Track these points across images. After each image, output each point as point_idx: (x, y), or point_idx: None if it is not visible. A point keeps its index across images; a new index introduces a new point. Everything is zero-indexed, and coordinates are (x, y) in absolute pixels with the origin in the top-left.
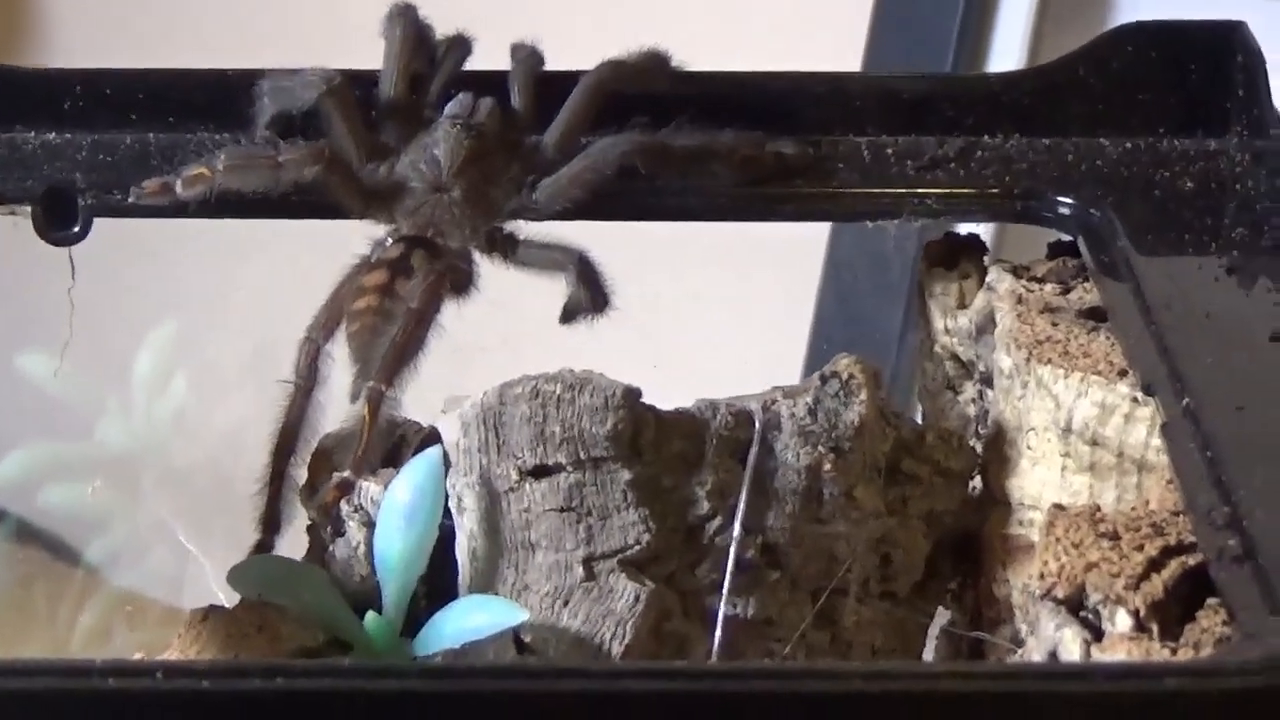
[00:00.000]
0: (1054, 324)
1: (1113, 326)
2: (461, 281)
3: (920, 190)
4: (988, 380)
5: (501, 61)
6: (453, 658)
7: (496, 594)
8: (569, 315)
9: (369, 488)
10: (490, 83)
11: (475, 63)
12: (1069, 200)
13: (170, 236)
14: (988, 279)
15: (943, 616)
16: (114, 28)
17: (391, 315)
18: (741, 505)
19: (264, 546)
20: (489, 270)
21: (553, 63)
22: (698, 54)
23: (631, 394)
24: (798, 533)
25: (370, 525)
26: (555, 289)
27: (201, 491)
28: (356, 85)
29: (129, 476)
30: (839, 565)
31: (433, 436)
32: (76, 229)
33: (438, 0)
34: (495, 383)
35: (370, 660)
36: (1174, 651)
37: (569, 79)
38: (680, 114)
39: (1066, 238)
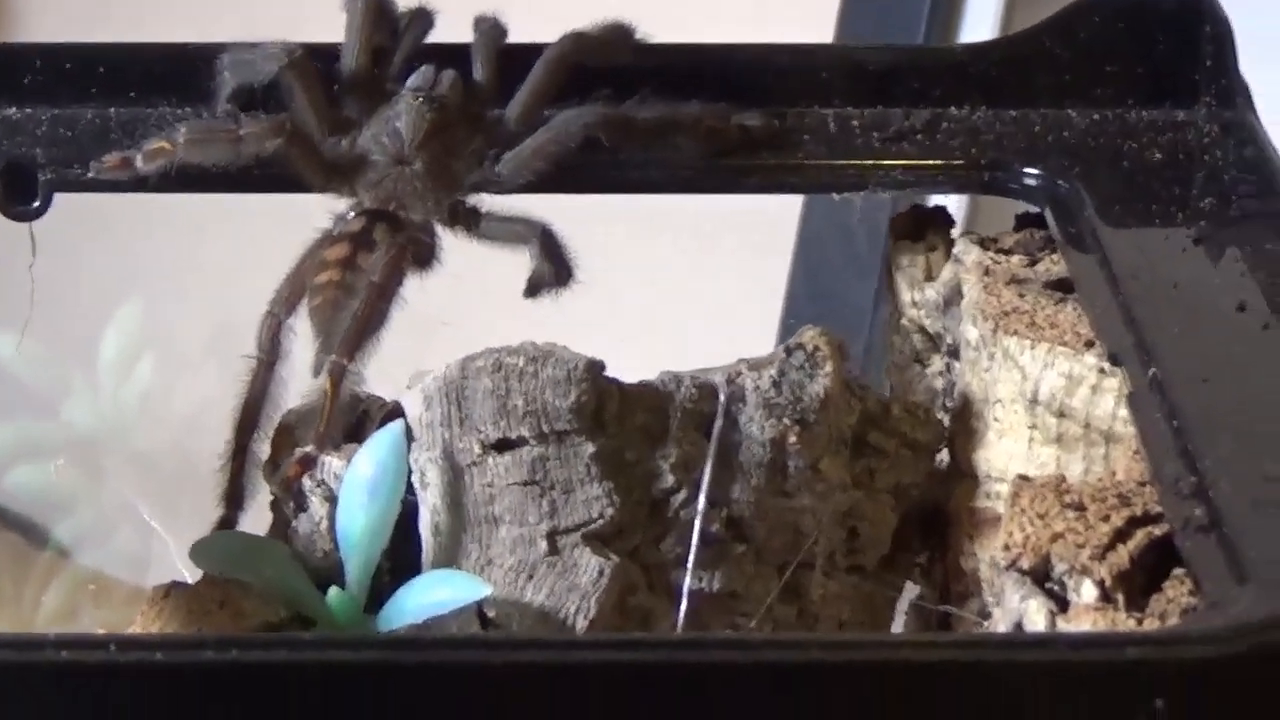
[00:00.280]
0: (1021, 295)
1: (1080, 297)
2: (424, 254)
3: (886, 162)
4: (955, 353)
5: (465, 34)
6: (415, 632)
7: (460, 569)
8: (533, 289)
9: (331, 463)
10: (453, 55)
11: (440, 35)
12: (1036, 172)
13: (133, 212)
14: (955, 251)
15: (911, 591)
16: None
17: (353, 289)
18: (706, 478)
19: (227, 522)
20: (453, 243)
21: (518, 34)
22: (668, 26)
23: (594, 366)
24: (763, 506)
25: (333, 500)
26: (520, 262)
27: (168, 470)
28: (319, 59)
29: (95, 457)
30: (805, 539)
31: (396, 411)
32: (36, 204)
33: None
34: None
35: (325, 633)
36: (1140, 622)
37: (532, 52)
38: (645, 86)
39: (1034, 209)
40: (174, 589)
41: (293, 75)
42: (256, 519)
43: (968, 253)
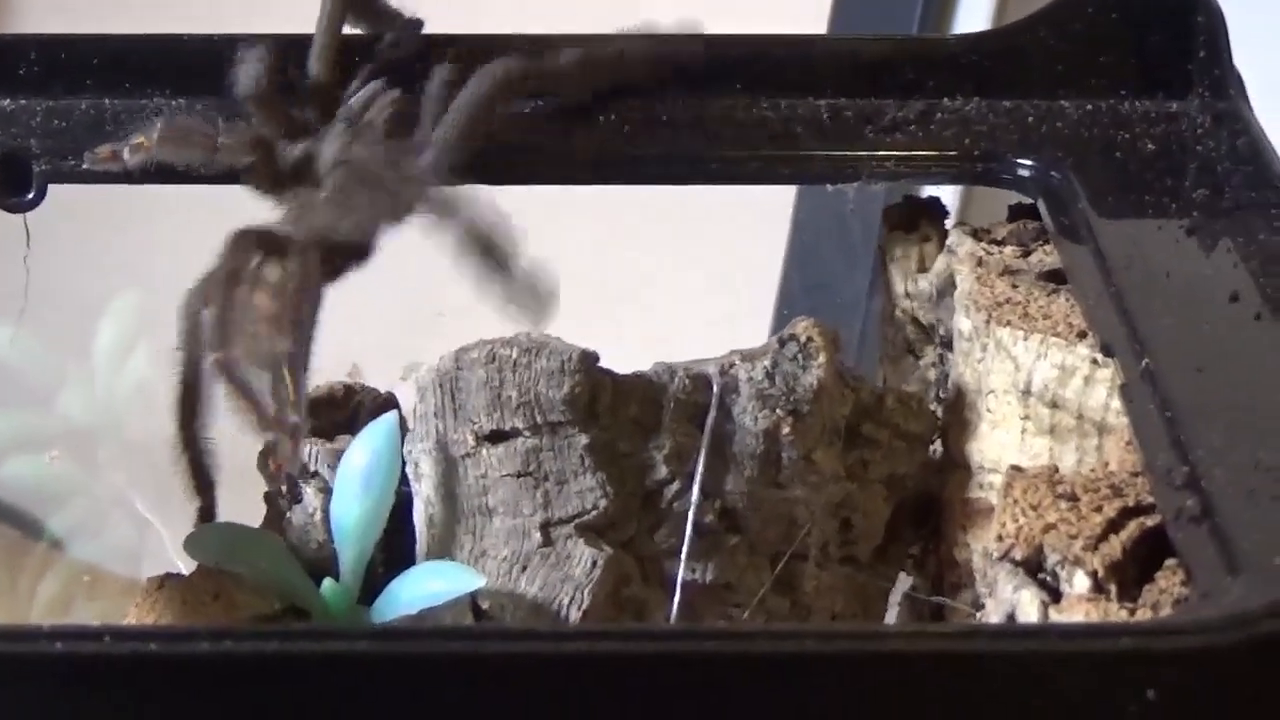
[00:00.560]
0: (1014, 286)
1: (1073, 288)
2: (351, 256)
3: (880, 153)
4: (948, 344)
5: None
6: (409, 623)
7: (454, 560)
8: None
9: (318, 452)
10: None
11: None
12: (1029, 162)
13: (128, 203)
14: (948, 242)
15: (905, 582)
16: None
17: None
18: (699, 469)
19: (206, 512)
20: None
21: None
22: (664, 18)
23: (588, 358)
24: (756, 497)
25: (327, 492)
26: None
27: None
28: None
29: (90, 449)
30: (798, 530)
31: (389, 403)
32: (31, 195)
33: None
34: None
35: (318, 623)
36: (1132, 612)
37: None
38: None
39: (1027, 200)
40: (168, 581)
41: (256, 107)
42: (252, 511)
43: (961, 244)
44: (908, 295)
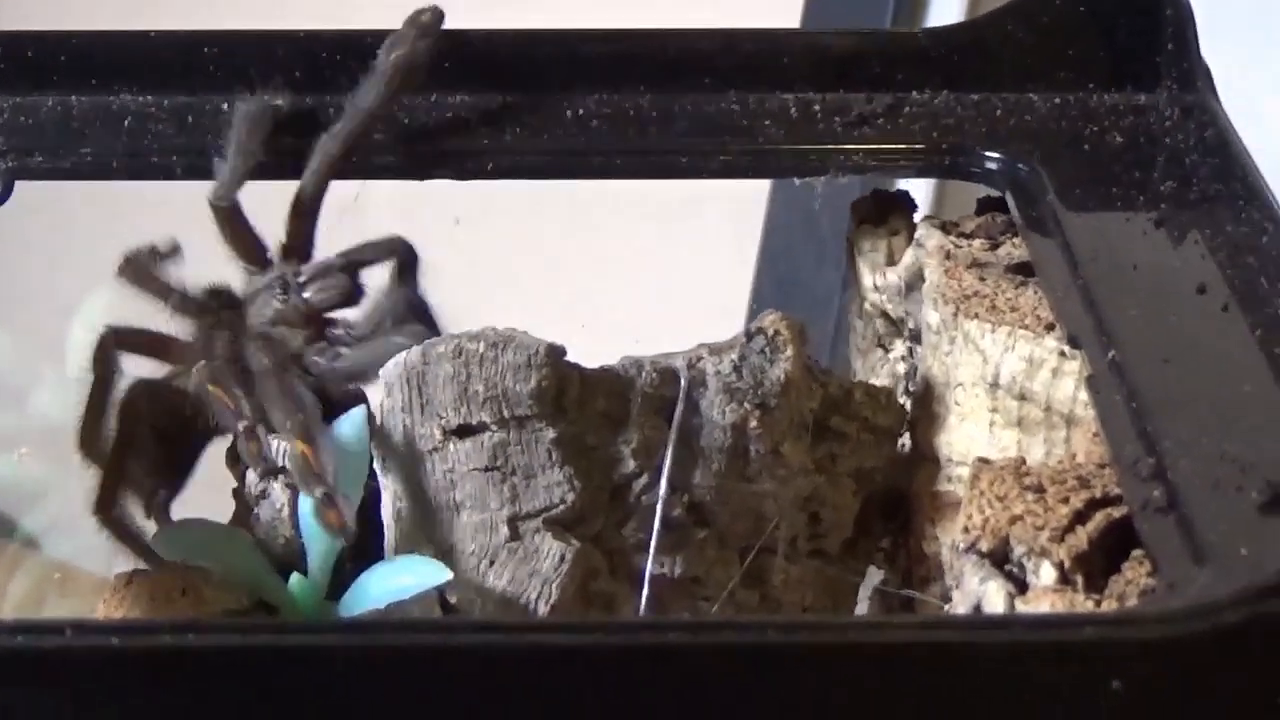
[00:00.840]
0: (981, 279)
1: (1040, 280)
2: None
3: (848, 146)
4: (917, 337)
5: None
6: (373, 618)
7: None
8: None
9: (286, 448)
10: None
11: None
12: (997, 155)
13: (99, 201)
14: (916, 235)
15: (875, 576)
16: None
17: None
18: (667, 463)
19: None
20: (419, 229)
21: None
22: (635, 10)
23: (554, 351)
24: (724, 490)
25: (294, 487)
26: (495, 248)
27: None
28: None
29: (63, 447)
30: (767, 523)
31: (358, 397)
32: None
33: None
34: None
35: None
36: (1098, 603)
37: None
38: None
39: (995, 193)
40: (136, 577)
41: (216, 217)
42: (220, 507)
43: (929, 237)
44: (876, 289)
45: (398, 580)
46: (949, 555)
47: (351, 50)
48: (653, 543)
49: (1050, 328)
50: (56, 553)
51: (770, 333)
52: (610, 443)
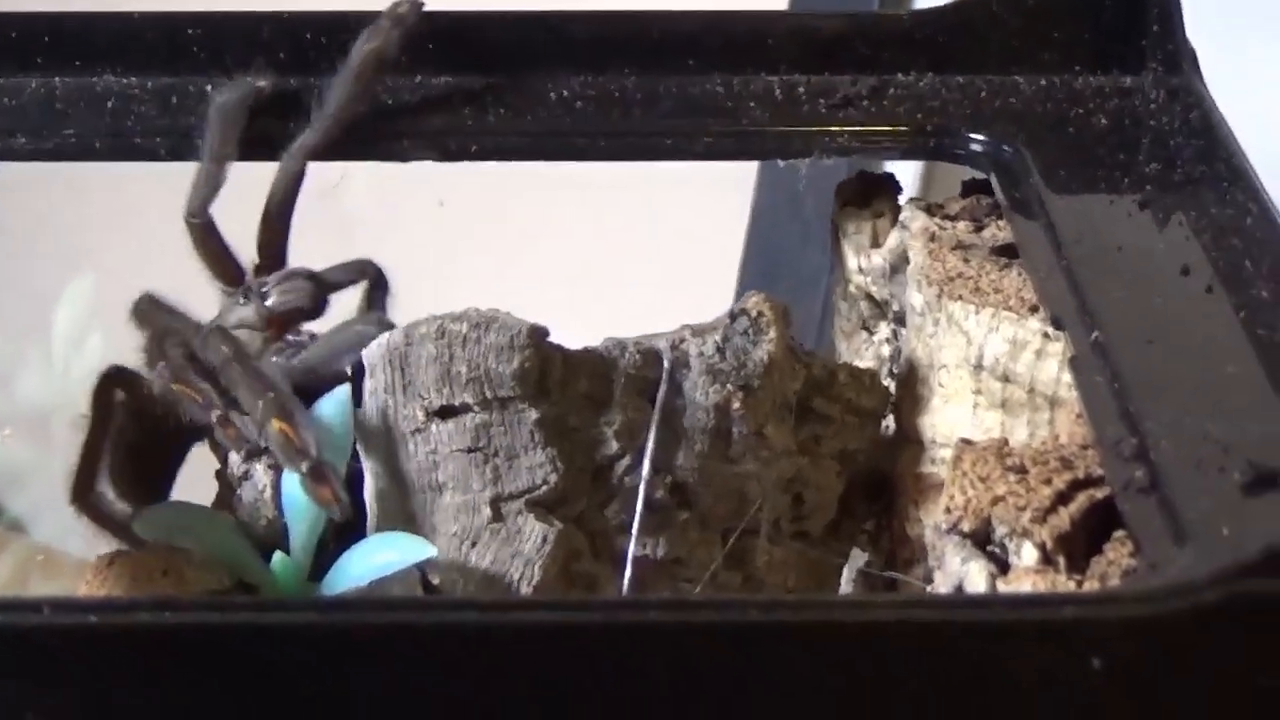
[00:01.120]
0: (966, 260)
1: (1024, 262)
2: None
3: (833, 128)
4: (901, 319)
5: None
6: (353, 595)
7: None
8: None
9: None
10: None
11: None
12: (982, 137)
13: (84, 184)
14: (901, 217)
15: (859, 558)
16: None
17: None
18: (650, 445)
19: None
20: (402, 212)
21: None
22: None
23: (537, 332)
24: (707, 472)
25: (277, 468)
26: (481, 230)
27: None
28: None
29: (48, 430)
30: (750, 505)
31: (340, 377)
32: None
33: None
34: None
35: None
36: (1080, 584)
37: None
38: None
39: (980, 175)
40: (117, 557)
41: (191, 235)
42: (204, 489)
43: (914, 219)
44: (861, 271)
45: (380, 557)
46: (932, 536)
47: (336, 31)
48: (635, 524)
49: (1034, 309)
50: (41, 535)
51: (753, 314)
52: (593, 424)
